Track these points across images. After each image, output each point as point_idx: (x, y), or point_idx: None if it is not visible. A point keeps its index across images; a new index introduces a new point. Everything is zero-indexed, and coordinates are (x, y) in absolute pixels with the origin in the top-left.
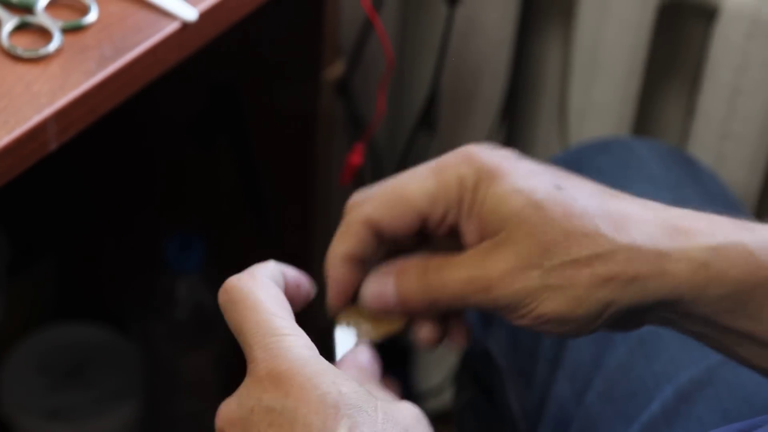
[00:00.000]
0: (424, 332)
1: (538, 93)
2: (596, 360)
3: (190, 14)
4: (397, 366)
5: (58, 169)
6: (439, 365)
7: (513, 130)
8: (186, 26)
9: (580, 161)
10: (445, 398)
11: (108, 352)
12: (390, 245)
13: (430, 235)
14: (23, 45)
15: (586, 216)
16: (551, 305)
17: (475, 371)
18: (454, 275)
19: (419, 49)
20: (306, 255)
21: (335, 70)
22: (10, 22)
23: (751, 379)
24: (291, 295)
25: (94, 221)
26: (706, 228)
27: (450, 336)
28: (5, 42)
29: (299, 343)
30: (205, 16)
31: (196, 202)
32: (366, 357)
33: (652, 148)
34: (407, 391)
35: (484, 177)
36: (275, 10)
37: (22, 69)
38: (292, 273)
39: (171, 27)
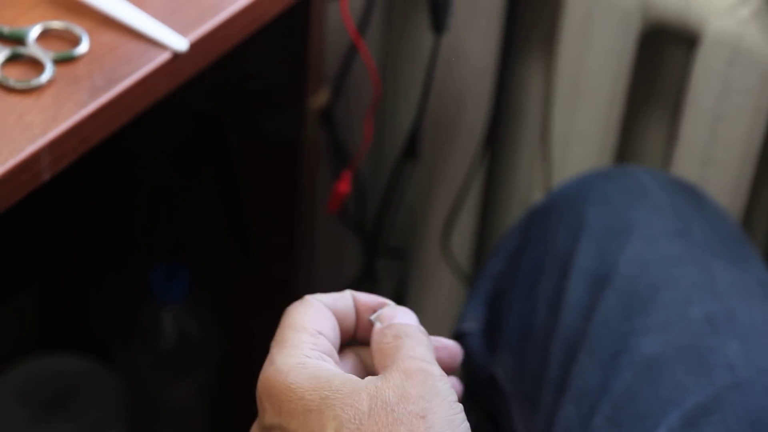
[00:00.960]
0: None
1: (521, 120)
2: (602, 385)
3: (181, 44)
4: None
5: (42, 199)
6: None
7: (496, 158)
8: (177, 56)
9: (587, 190)
10: None
11: (92, 382)
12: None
13: None
14: (15, 76)
15: None
16: None
17: (480, 396)
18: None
19: (403, 77)
20: (291, 283)
21: (320, 98)
22: (2, 53)
23: (758, 403)
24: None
25: (78, 251)
26: None
27: None
28: None
29: (293, 353)
30: (195, 46)
31: (181, 231)
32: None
33: (656, 177)
34: None
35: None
36: (260, 38)
37: (14, 100)
38: (360, 301)
39: (162, 57)
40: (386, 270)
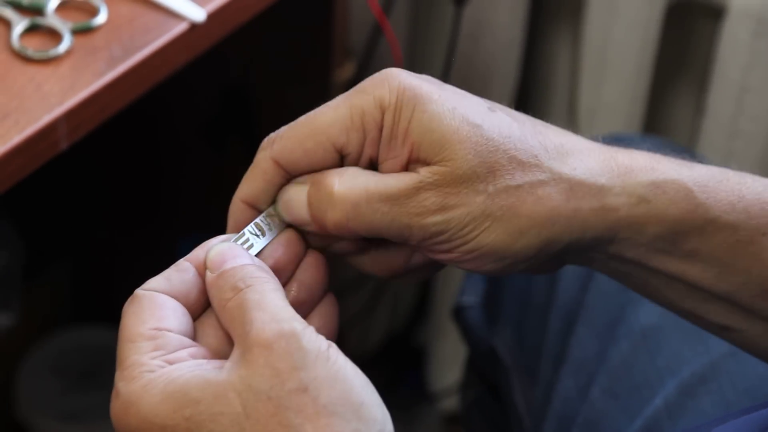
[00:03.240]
0: (342, 245)
1: (548, 93)
2: (600, 356)
3: (198, 15)
4: (409, 367)
5: (72, 173)
6: (452, 366)
7: None
8: (194, 27)
9: None
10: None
11: None
12: None
13: None
14: (34, 46)
15: (525, 142)
16: (490, 236)
17: (481, 369)
18: (383, 187)
19: (429, 50)
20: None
21: (345, 71)
22: (21, 23)
23: (754, 370)
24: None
25: (108, 224)
26: (645, 164)
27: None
28: (16, 43)
29: (134, 374)
30: (213, 16)
31: (209, 203)
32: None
33: (654, 145)
34: (420, 392)
35: (407, 98)
36: (286, 13)
37: (32, 70)
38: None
39: (179, 28)
40: None
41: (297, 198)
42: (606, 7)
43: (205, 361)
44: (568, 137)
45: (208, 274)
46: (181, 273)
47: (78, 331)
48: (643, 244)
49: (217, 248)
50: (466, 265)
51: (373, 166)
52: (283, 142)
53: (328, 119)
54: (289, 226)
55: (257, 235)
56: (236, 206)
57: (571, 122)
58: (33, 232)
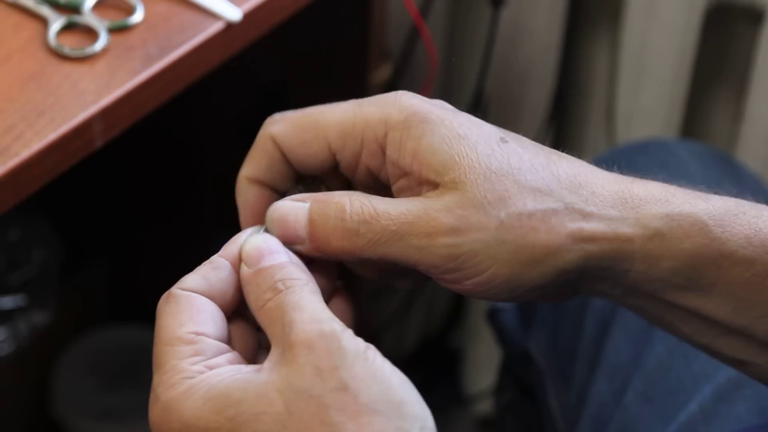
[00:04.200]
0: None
1: (586, 97)
2: (635, 360)
3: (235, 14)
4: (444, 370)
5: (109, 173)
6: (487, 369)
7: (560, 134)
8: (230, 26)
9: (617, 159)
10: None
11: None
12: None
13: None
14: (70, 44)
15: (535, 173)
16: (506, 267)
17: (515, 373)
18: (390, 210)
19: (466, 52)
20: None
21: (382, 73)
22: (58, 21)
23: None
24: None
25: (144, 224)
26: (660, 196)
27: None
28: (53, 41)
29: (174, 379)
30: (249, 16)
31: None
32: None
33: (691, 149)
34: (454, 395)
35: (417, 120)
36: (322, 14)
37: (68, 68)
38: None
39: (215, 27)
40: None
41: (295, 215)
42: (644, 11)
43: (242, 366)
44: (581, 168)
45: (244, 268)
46: (217, 270)
47: (114, 330)
48: (658, 279)
49: (253, 242)
50: (477, 295)
51: (373, 179)
52: (284, 126)
53: (332, 119)
54: None
55: None
56: (241, 184)
57: (608, 127)
58: (70, 231)
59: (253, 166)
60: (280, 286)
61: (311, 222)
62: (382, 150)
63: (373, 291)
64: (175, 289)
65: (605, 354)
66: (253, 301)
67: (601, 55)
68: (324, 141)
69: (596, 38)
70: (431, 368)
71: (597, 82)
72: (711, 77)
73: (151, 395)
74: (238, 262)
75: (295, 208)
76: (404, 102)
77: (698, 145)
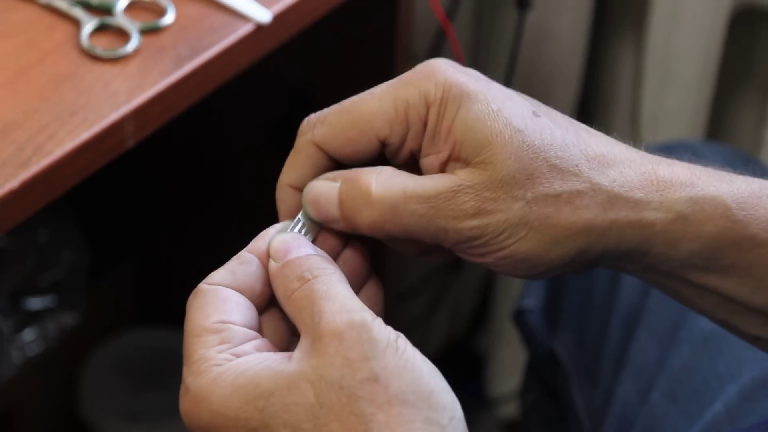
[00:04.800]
0: None
1: (611, 100)
2: (660, 360)
3: (264, 16)
4: (469, 373)
5: (137, 175)
6: (512, 372)
7: None
8: (260, 28)
9: None
10: (519, 405)
11: None
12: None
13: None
14: (102, 45)
15: (566, 150)
16: (526, 245)
17: (541, 373)
18: (421, 189)
19: (492, 56)
20: (380, 260)
21: None
22: (90, 23)
23: None
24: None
25: (173, 226)
26: (685, 178)
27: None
28: (85, 42)
29: (202, 368)
30: (278, 18)
31: (273, 205)
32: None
33: (717, 152)
34: (479, 398)
35: (453, 95)
36: (350, 16)
37: (101, 68)
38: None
39: (245, 29)
40: None
41: (326, 195)
42: (670, 15)
43: (271, 353)
44: (610, 146)
45: (272, 263)
46: (244, 265)
47: (142, 332)
48: (678, 260)
49: (280, 237)
50: (498, 269)
51: (413, 159)
52: (326, 129)
53: (373, 109)
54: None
55: (311, 220)
56: (285, 192)
57: (633, 130)
58: (98, 233)
59: (296, 173)
60: (308, 275)
61: (341, 202)
62: (425, 128)
63: (399, 294)
64: (202, 284)
65: (631, 354)
66: (281, 292)
67: (627, 58)
68: (371, 133)
69: (621, 41)
70: (456, 371)
71: (622, 85)
72: (736, 80)
73: (182, 387)
74: (265, 257)
75: (326, 187)
76: (439, 76)
77: (723, 147)
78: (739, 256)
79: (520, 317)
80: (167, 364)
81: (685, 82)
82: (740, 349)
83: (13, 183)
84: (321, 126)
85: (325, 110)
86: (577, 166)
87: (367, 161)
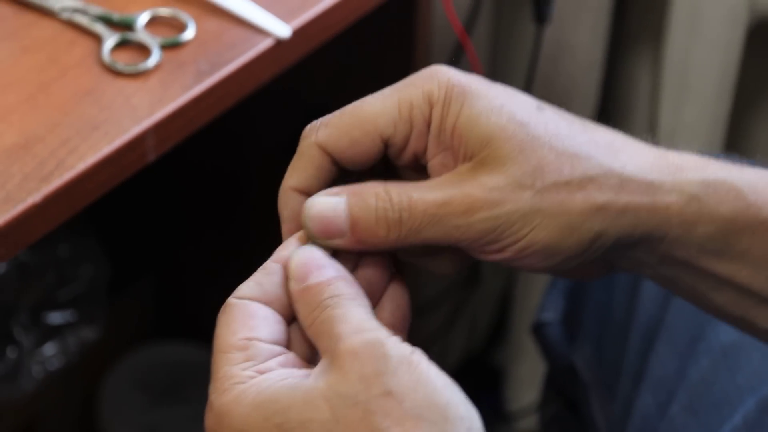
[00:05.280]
0: None
1: (628, 114)
2: (679, 373)
3: (284, 31)
4: (487, 387)
5: (157, 191)
6: (530, 386)
7: None
8: (280, 43)
9: None
10: (537, 418)
11: (206, 370)
12: (352, 179)
13: (395, 170)
14: (124, 60)
15: (573, 138)
16: (542, 233)
17: (560, 386)
18: (425, 195)
19: (510, 70)
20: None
21: None
22: (112, 38)
23: None
24: None
25: (192, 240)
26: (696, 163)
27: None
28: (107, 57)
29: (225, 385)
30: (298, 33)
31: None
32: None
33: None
34: (497, 412)
35: (456, 93)
36: (368, 31)
37: (122, 83)
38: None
39: (265, 44)
40: (491, 269)
41: (333, 210)
42: (687, 28)
43: (293, 369)
44: (617, 136)
45: (293, 283)
46: (271, 276)
47: (161, 347)
48: (693, 244)
49: (299, 257)
50: (518, 264)
51: (416, 162)
52: (330, 130)
53: (377, 110)
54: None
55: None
56: (288, 195)
57: (651, 143)
58: (119, 247)
59: (300, 176)
60: (328, 302)
61: (352, 216)
62: (428, 128)
63: (417, 308)
64: (230, 299)
65: (650, 367)
66: (302, 318)
67: (644, 72)
68: (375, 133)
69: (639, 55)
70: (474, 385)
71: (640, 99)
72: (754, 94)
73: (207, 404)
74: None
75: (332, 203)
76: (441, 77)
77: (742, 160)
78: (752, 240)
79: (539, 330)
80: (187, 378)
81: (703, 95)
82: (759, 361)
83: (36, 197)
84: (325, 128)
85: (329, 115)
86: (586, 152)
87: (370, 164)
